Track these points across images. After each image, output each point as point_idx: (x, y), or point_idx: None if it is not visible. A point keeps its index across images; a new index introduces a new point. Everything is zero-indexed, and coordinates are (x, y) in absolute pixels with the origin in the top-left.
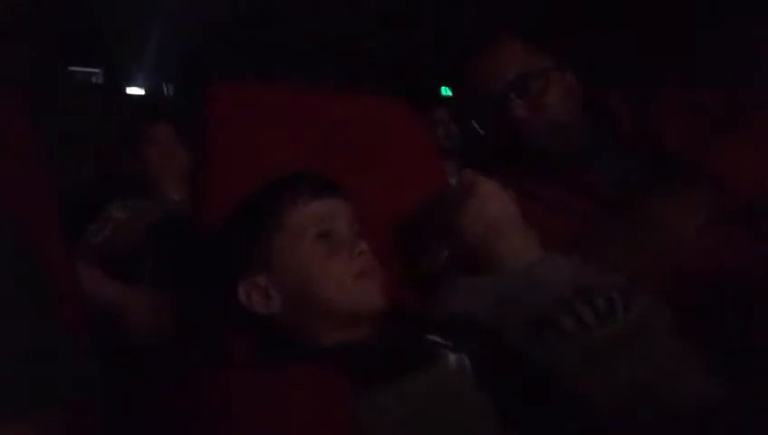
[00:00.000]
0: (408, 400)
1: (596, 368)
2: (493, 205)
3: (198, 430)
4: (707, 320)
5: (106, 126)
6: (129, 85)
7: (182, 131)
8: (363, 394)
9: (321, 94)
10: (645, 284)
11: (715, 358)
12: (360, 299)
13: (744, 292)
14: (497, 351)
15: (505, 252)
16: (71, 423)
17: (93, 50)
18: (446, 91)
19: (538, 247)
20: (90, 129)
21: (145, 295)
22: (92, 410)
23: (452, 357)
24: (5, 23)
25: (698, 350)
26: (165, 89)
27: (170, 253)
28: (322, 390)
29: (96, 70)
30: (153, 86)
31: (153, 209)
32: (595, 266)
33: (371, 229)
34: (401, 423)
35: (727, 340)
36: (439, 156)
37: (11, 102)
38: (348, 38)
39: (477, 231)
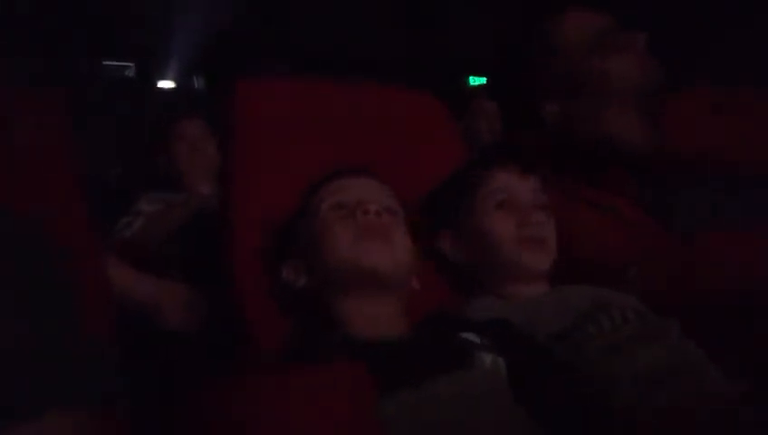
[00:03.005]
0: (439, 399)
1: (617, 358)
2: None
3: (225, 429)
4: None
5: (137, 120)
6: (161, 79)
7: (212, 126)
8: (393, 392)
9: (346, 87)
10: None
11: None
12: (357, 259)
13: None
14: (531, 354)
15: (521, 290)
16: (96, 424)
17: (125, 43)
18: (473, 81)
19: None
20: (121, 122)
21: (176, 290)
22: (118, 412)
23: (487, 358)
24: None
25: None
26: (195, 82)
27: (200, 246)
28: (347, 390)
29: (128, 63)
30: (184, 79)
31: (182, 203)
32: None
33: None
34: (431, 424)
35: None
36: (466, 148)
37: (43, 104)
38: (374, 34)
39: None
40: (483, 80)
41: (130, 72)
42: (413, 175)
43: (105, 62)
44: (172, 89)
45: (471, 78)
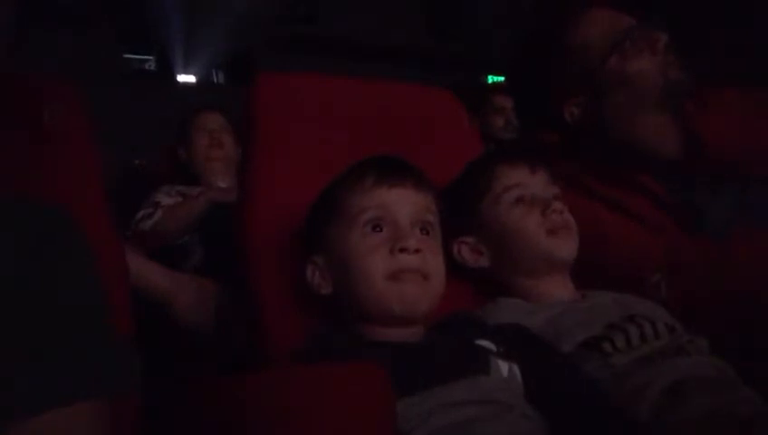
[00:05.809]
0: (452, 406)
1: (644, 370)
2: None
3: (238, 425)
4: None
5: (156, 113)
6: (181, 72)
7: (231, 120)
8: (405, 399)
9: (366, 84)
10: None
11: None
12: (389, 302)
13: None
14: (549, 362)
15: (549, 289)
16: (111, 415)
17: (146, 37)
18: (492, 80)
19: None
20: (141, 115)
21: (193, 282)
22: (133, 402)
23: (502, 365)
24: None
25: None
26: (215, 76)
27: (218, 239)
28: (363, 390)
29: (149, 57)
30: (204, 73)
31: (200, 196)
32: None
33: None
34: (445, 429)
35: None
36: (483, 145)
37: (64, 95)
38: (394, 29)
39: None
40: (502, 79)
41: (151, 66)
42: (431, 173)
43: (126, 55)
44: (192, 83)
45: (490, 77)
